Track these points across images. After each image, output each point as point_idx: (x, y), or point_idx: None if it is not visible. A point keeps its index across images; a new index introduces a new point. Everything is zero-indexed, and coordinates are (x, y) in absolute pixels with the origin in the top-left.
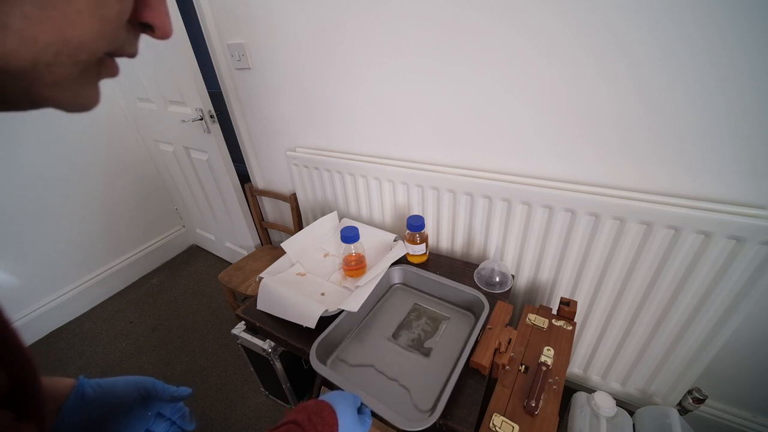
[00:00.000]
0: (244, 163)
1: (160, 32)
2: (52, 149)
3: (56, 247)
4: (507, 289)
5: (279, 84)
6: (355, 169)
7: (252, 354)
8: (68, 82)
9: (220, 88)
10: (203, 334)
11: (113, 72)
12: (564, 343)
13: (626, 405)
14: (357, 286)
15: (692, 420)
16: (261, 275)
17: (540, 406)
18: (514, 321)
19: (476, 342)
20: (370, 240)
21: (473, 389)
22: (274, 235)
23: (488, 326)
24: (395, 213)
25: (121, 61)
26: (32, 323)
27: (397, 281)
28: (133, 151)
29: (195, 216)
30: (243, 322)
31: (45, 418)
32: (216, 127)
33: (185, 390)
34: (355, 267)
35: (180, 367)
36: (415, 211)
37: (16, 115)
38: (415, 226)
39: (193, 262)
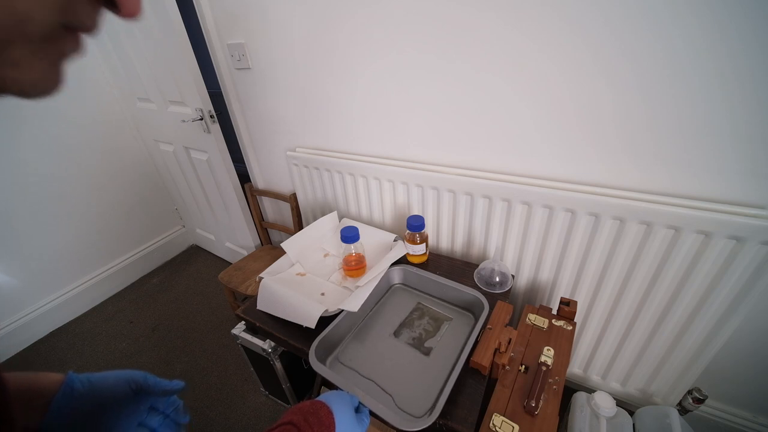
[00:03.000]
0: (244, 163)
1: (125, 10)
2: (51, 149)
3: (56, 247)
4: (507, 289)
5: (279, 84)
6: (355, 169)
7: (252, 354)
8: (25, 61)
9: (220, 88)
10: (203, 334)
11: (76, 48)
12: (564, 343)
13: (626, 405)
14: (357, 286)
15: (692, 420)
16: (261, 275)
17: (540, 406)
18: (514, 321)
19: (476, 342)
20: (370, 240)
21: (473, 389)
22: (274, 235)
23: (488, 326)
24: (395, 213)
25: (121, 61)
26: (32, 323)
27: (397, 281)
28: (133, 151)
29: (195, 216)
30: (243, 322)
31: (15, 423)
32: (216, 127)
33: (178, 383)
34: (355, 267)
35: (180, 367)
36: (415, 211)
37: (16, 116)
38: (415, 226)
39: (193, 262)
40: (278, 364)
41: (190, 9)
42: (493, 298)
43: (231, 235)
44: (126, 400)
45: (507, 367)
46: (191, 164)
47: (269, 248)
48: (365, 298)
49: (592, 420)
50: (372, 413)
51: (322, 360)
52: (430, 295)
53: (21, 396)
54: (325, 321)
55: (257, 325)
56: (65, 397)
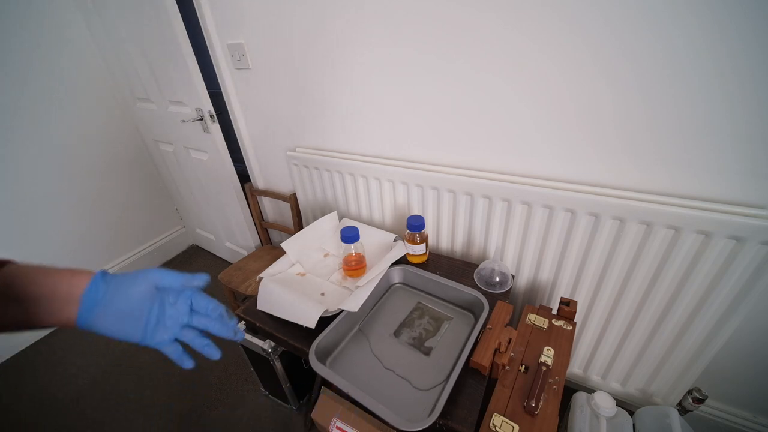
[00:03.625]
0: (244, 163)
1: None
2: (51, 149)
3: (56, 247)
4: (507, 289)
5: (279, 84)
6: (355, 169)
7: (252, 354)
8: None
9: (220, 88)
10: None
11: None
12: (564, 343)
13: (626, 405)
14: (357, 286)
15: (692, 420)
16: (261, 275)
17: (540, 406)
18: (514, 321)
19: (476, 342)
20: (370, 240)
21: (473, 389)
22: (274, 235)
23: (488, 326)
24: (395, 213)
25: (121, 61)
26: None
27: (397, 281)
28: (133, 151)
29: (195, 216)
30: (243, 322)
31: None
32: (216, 127)
33: (198, 279)
34: (355, 267)
35: (180, 367)
36: (415, 211)
37: (16, 116)
38: (415, 226)
39: (193, 262)
40: (278, 364)
41: (190, 9)
42: (493, 298)
43: (231, 235)
44: (158, 299)
45: (507, 367)
46: (191, 164)
47: (269, 248)
48: (365, 298)
49: (592, 420)
50: (372, 413)
51: (322, 360)
52: (430, 295)
53: (57, 290)
54: (325, 321)
55: (257, 325)
56: (93, 293)
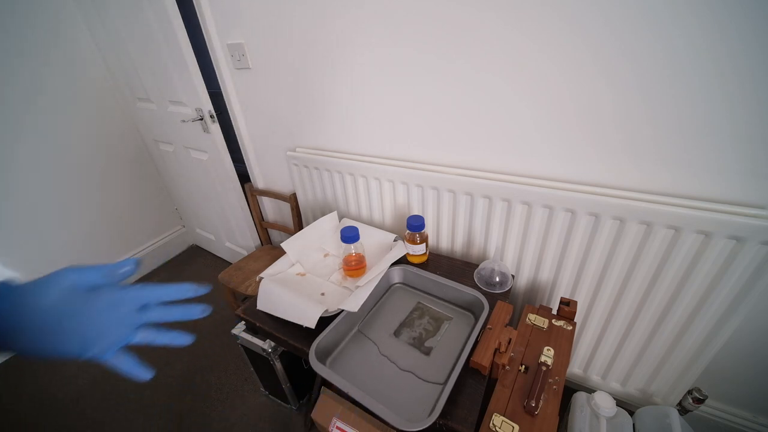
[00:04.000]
0: (244, 163)
1: None
2: (51, 150)
3: (56, 247)
4: (507, 289)
5: (279, 84)
6: (355, 169)
7: (252, 354)
8: None
9: (220, 88)
10: (203, 334)
11: None
12: (564, 343)
13: (626, 405)
14: (357, 286)
15: (692, 420)
16: (261, 275)
17: (540, 406)
18: (514, 321)
19: (476, 342)
20: (370, 240)
21: (473, 389)
22: (274, 235)
23: (488, 326)
24: (395, 213)
25: (121, 61)
26: None
27: (397, 281)
28: (133, 151)
29: (195, 216)
30: (243, 322)
31: None
32: (216, 127)
33: (127, 262)
34: (355, 267)
35: (180, 367)
36: (415, 211)
37: (16, 116)
38: (415, 226)
39: (193, 262)
40: (278, 364)
41: (190, 9)
42: (493, 298)
43: (231, 235)
44: (88, 302)
45: (507, 367)
46: (191, 164)
47: (269, 248)
48: (365, 298)
49: (592, 420)
50: (372, 413)
51: (322, 360)
52: (430, 295)
53: None
54: (325, 321)
55: (257, 325)
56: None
